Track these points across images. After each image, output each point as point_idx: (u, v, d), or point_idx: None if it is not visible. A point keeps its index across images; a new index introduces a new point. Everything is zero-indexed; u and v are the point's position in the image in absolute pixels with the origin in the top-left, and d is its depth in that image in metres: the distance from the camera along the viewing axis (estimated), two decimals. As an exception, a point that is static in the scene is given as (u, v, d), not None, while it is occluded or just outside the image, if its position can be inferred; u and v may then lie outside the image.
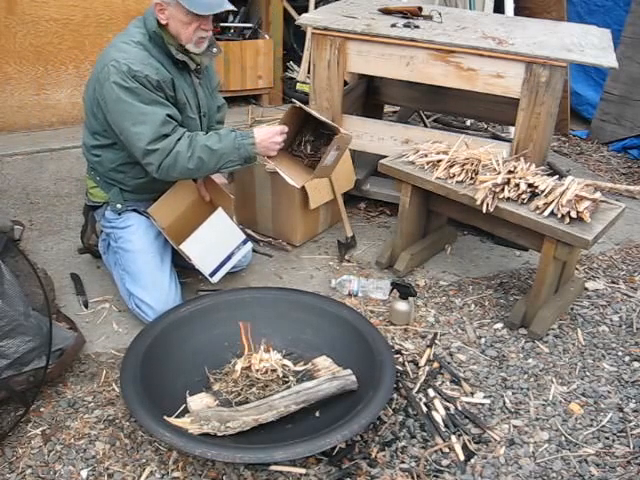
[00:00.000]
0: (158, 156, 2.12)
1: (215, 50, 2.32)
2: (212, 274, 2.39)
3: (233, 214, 2.48)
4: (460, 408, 2.02)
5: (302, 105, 2.28)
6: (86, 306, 2.44)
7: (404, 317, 2.39)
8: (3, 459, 1.79)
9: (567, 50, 2.67)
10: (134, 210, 2.36)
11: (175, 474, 1.76)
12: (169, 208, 2.39)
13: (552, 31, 2.99)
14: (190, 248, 2.32)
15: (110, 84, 2.09)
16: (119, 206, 2.35)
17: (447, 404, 2.03)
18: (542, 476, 1.81)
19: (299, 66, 4.65)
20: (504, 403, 2.06)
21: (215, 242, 2.38)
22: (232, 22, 4.51)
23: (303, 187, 2.73)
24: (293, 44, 4.84)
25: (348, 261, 2.83)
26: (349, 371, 1.96)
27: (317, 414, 1.91)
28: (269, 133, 2.22)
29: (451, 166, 2.49)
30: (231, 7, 2.16)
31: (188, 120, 2.29)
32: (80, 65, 3.86)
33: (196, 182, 2.50)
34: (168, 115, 2.13)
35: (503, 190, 2.32)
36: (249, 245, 2.51)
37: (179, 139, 2.13)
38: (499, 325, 2.44)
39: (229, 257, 2.44)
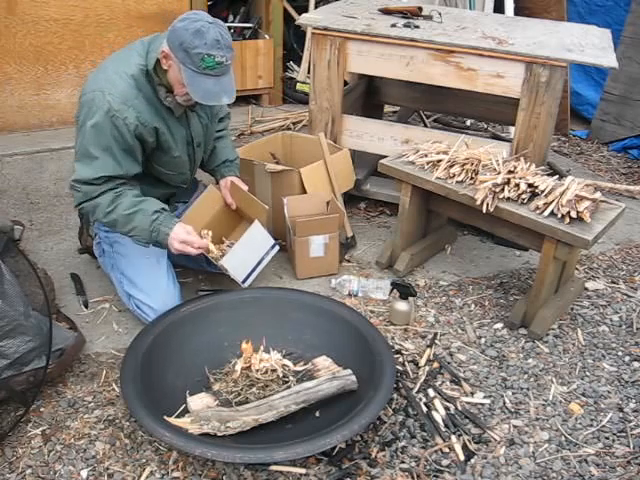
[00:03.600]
0: (80, 196, 2.14)
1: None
2: (244, 280, 2.42)
3: (266, 224, 2.50)
4: (460, 408, 2.02)
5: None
6: (86, 306, 2.45)
7: (404, 317, 2.39)
8: (3, 459, 1.79)
9: (567, 50, 2.67)
10: None
11: (175, 474, 1.76)
12: (196, 219, 2.42)
13: (552, 31, 2.98)
14: (229, 262, 2.35)
15: (87, 110, 2.07)
16: None
17: (447, 404, 2.03)
18: (542, 476, 1.81)
19: (299, 66, 4.65)
20: (504, 403, 2.06)
21: (250, 251, 2.43)
22: (232, 22, 4.52)
23: (302, 187, 2.74)
24: (293, 44, 4.84)
25: (348, 261, 2.83)
26: (349, 371, 1.96)
27: (317, 414, 1.91)
28: (186, 240, 2.15)
29: (451, 166, 2.49)
30: (229, 102, 2.09)
31: (172, 160, 2.28)
32: (80, 65, 3.86)
33: (221, 191, 2.54)
34: (112, 176, 2.11)
35: (503, 190, 2.32)
36: (276, 248, 2.53)
37: (104, 192, 2.12)
38: (499, 325, 2.44)
39: (259, 262, 2.47)
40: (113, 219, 2.13)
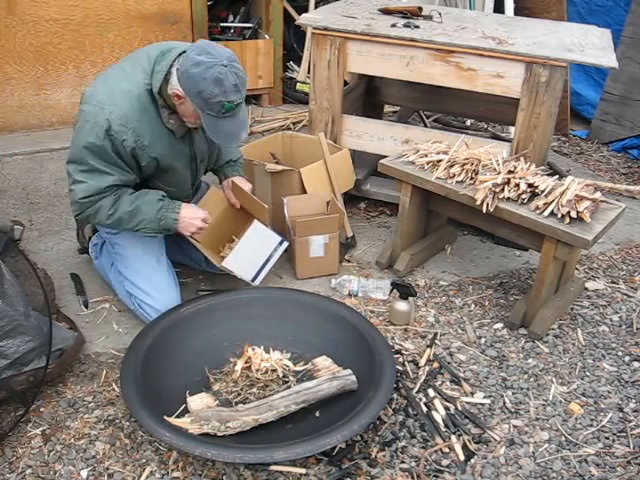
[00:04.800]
0: (82, 206, 2.12)
1: None
2: (253, 279, 2.43)
3: (268, 223, 2.49)
4: (460, 408, 2.02)
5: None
6: (86, 306, 2.45)
7: (404, 317, 2.39)
8: (3, 459, 1.79)
9: (567, 50, 2.67)
10: None
11: (175, 474, 1.76)
12: None
13: (552, 31, 2.98)
14: (232, 264, 2.36)
15: (84, 123, 2.03)
16: None
17: (447, 404, 2.03)
18: (542, 476, 1.81)
19: (299, 66, 4.65)
20: (504, 403, 2.06)
21: (253, 251, 2.43)
22: (232, 22, 4.52)
23: (302, 187, 2.74)
24: (293, 44, 4.84)
25: (348, 261, 2.83)
26: (349, 371, 1.96)
27: (317, 414, 1.91)
28: (193, 213, 2.23)
29: (451, 166, 2.49)
30: (246, 136, 2.13)
31: (174, 178, 2.29)
32: (80, 65, 3.86)
33: (224, 191, 2.54)
34: (120, 185, 2.13)
35: (503, 190, 2.32)
36: (285, 244, 2.52)
37: (105, 196, 2.11)
38: (499, 325, 2.44)
39: (268, 260, 2.48)
40: (117, 218, 2.14)
